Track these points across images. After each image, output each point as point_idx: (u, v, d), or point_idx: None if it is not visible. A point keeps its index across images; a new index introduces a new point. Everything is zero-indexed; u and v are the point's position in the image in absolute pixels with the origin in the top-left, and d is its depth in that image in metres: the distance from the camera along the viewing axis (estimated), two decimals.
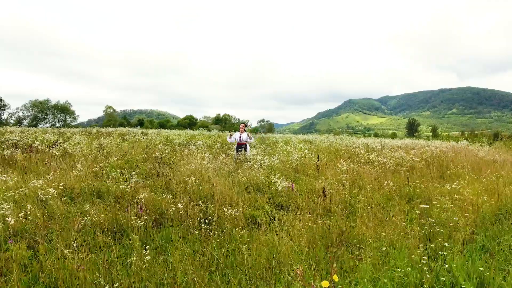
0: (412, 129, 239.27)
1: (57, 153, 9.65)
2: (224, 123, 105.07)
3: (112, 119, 79.63)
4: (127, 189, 5.14)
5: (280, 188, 5.80)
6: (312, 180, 7.15)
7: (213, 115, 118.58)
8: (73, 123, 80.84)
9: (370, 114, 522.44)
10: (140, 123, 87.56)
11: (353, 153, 11.71)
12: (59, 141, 13.45)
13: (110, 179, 5.74)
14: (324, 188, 5.43)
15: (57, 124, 79.06)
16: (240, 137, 9.92)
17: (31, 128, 28.96)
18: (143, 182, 5.66)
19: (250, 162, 8.48)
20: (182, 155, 10.89)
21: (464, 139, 23.10)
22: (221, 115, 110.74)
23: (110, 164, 8.17)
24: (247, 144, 10.08)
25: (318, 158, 7.78)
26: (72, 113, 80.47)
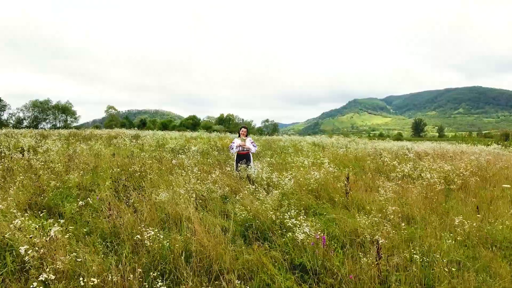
0: (418, 129, 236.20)
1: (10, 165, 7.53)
2: (228, 123, 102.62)
3: (114, 119, 77.57)
4: (33, 252, 2.91)
5: (301, 237, 3.57)
6: (343, 213, 4.90)
7: (217, 115, 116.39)
8: (74, 124, 79.14)
9: (375, 114, 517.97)
10: (143, 124, 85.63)
11: (380, 163, 9.45)
12: (25, 148, 11.32)
13: (21, 227, 3.51)
14: (378, 245, 3.19)
15: (58, 125, 77.40)
16: (240, 146, 7.70)
17: (21, 130, 26.99)
18: (70, 234, 3.43)
19: (253, 183, 6.25)
20: (169, 166, 8.69)
21: (494, 142, 20.69)
22: (225, 115, 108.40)
23: (61, 185, 6.00)
24: (250, 154, 7.85)
25: (347, 179, 5.52)
26: (73, 113, 78.59)
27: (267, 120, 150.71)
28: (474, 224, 4.36)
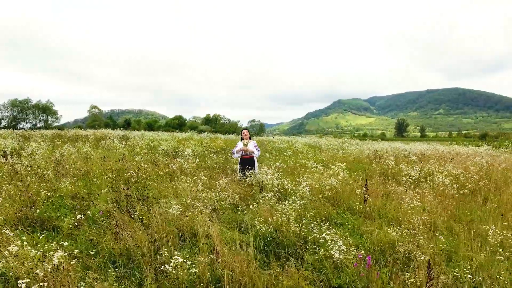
0: (401, 129, 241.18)
1: None
2: (214, 123, 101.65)
3: (97, 119, 75.35)
4: None
5: (337, 255, 3.18)
6: (368, 223, 4.54)
7: (202, 115, 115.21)
8: (55, 124, 76.52)
9: (359, 115, 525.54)
10: (127, 124, 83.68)
11: (385, 166, 9.18)
12: (8, 151, 10.53)
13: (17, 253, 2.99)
14: (429, 265, 2.83)
15: (39, 125, 74.66)
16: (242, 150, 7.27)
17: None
18: (76, 259, 2.94)
19: (262, 189, 5.82)
20: (167, 171, 8.16)
21: (485, 143, 20.89)
22: (211, 115, 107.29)
23: (52, 194, 5.42)
24: (255, 158, 7.42)
25: (365, 185, 5.18)
26: (54, 113, 75.96)
27: (253, 120, 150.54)
28: (507, 234, 4.10)
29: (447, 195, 6.19)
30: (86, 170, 7.84)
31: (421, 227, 4.30)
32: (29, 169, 7.91)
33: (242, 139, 7.55)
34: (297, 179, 6.13)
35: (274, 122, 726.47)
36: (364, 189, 5.29)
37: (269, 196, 4.88)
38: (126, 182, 6.83)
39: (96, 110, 78.72)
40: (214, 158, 10.44)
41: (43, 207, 4.72)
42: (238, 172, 7.38)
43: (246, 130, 7.53)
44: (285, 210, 4.22)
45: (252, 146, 7.34)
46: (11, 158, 9.49)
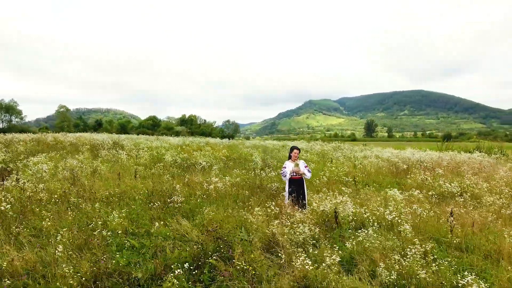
0: (370, 130, 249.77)
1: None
2: (190, 124, 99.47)
3: (66, 119, 71.19)
4: None
5: None
6: (466, 257, 4.22)
7: (174, 114, 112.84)
8: (19, 124, 71.53)
9: (329, 115, 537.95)
10: (99, 124, 79.95)
11: (419, 181, 8.98)
12: (8, 168, 9.34)
13: None
14: None
15: (1, 125, 69.53)
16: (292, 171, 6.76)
17: None
18: None
19: (337, 219, 5.34)
20: (204, 191, 7.47)
21: (476, 149, 21.58)
22: (187, 115, 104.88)
23: (107, 230, 4.65)
24: (304, 180, 6.95)
25: (451, 214, 4.87)
26: (19, 112, 70.99)
27: (228, 121, 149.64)
28: None
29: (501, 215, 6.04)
30: (119, 192, 7.00)
31: None
32: (44, 192, 6.97)
33: (289, 158, 7.05)
34: (364, 206, 5.74)
35: (246, 122, 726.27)
36: (451, 218, 4.99)
37: (367, 231, 4.42)
38: (174, 209, 6.12)
39: (65, 110, 74.36)
40: (240, 174, 9.81)
41: (117, 256, 3.97)
42: (286, 194, 6.88)
43: (297, 150, 7.02)
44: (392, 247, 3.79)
45: (302, 166, 6.85)
46: (14, 177, 8.38)
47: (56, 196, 6.79)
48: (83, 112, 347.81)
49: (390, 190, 6.23)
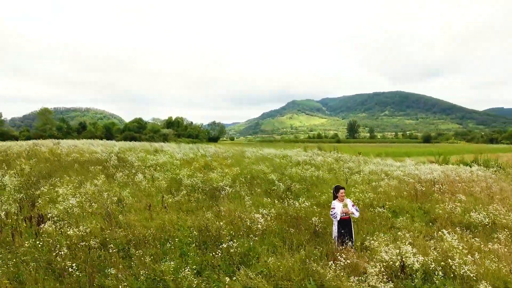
0: (352, 131, 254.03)
1: None
2: (177, 126, 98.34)
3: (49, 122, 68.80)
4: None
5: None
6: None
7: (159, 114, 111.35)
8: None
9: (312, 115, 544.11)
10: (83, 127, 77.93)
11: (448, 211, 9.21)
12: (37, 203, 8.97)
13: None
14: None
15: None
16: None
17: None
18: None
19: (404, 270, 5.42)
20: (248, 227, 7.43)
21: (474, 161, 22.31)
22: (173, 117, 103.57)
23: None
24: (351, 218, 7.04)
25: None
26: None
27: (214, 123, 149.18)
28: None
29: None
30: (159, 228, 6.88)
31: None
32: (91, 237, 6.77)
33: (335, 197, 7.11)
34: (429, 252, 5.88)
35: (229, 122, 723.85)
36: None
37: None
38: (227, 255, 6.06)
39: (48, 113, 71.86)
40: (271, 203, 9.80)
41: None
42: (335, 233, 6.95)
43: (343, 190, 7.10)
44: None
45: (350, 206, 6.95)
46: (48, 215, 8.07)
47: (98, 239, 6.63)
48: (62, 111, 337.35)
49: (443, 233, 6.38)
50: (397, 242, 6.39)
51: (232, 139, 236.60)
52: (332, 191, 7.40)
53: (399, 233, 7.38)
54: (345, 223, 6.91)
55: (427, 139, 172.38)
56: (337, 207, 6.90)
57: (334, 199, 7.14)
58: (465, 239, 6.65)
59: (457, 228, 8.01)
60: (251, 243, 6.56)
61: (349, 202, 7.04)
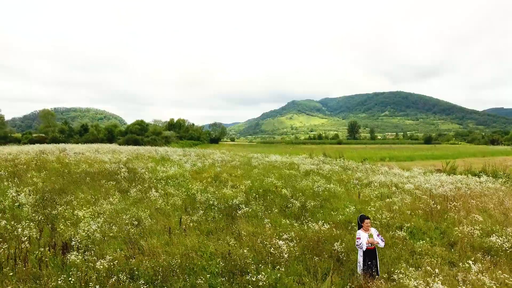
0: (353, 131, 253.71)
1: None
2: (178, 129, 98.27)
3: (51, 125, 68.81)
4: None
5: None
6: None
7: (159, 115, 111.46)
8: None
9: (312, 115, 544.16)
10: (84, 129, 77.94)
11: (476, 237, 9.19)
12: (59, 229, 8.94)
13: None
14: None
15: None
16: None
17: None
18: None
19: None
20: (269, 253, 7.45)
21: (482, 171, 22.33)
22: (175, 119, 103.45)
23: None
24: (376, 248, 7.05)
25: None
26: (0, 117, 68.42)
27: (215, 124, 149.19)
28: None
29: None
30: (183, 255, 6.87)
31: None
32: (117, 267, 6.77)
33: (360, 227, 7.11)
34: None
35: (229, 122, 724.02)
36: None
37: None
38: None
39: (50, 115, 71.90)
40: (289, 225, 9.81)
41: None
42: (360, 264, 6.95)
43: (368, 220, 7.10)
44: None
45: (375, 235, 6.96)
46: (74, 244, 8.07)
47: (126, 270, 6.65)
48: (62, 111, 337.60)
49: (469, 265, 6.40)
50: (422, 271, 6.37)
51: (232, 139, 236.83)
52: (357, 220, 7.41)
53: (422, 259, 7.40)
54: (370, 253, 6.92)
55: (428, 140, 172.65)
56: (363, 237, 6.90)
57: (359, 229, 7.15)
58: (493, 274, 6.62)
59: (478, 255, 8.01)
60: (278, 275, 6.57)
61: (374, 231, 7.05)
